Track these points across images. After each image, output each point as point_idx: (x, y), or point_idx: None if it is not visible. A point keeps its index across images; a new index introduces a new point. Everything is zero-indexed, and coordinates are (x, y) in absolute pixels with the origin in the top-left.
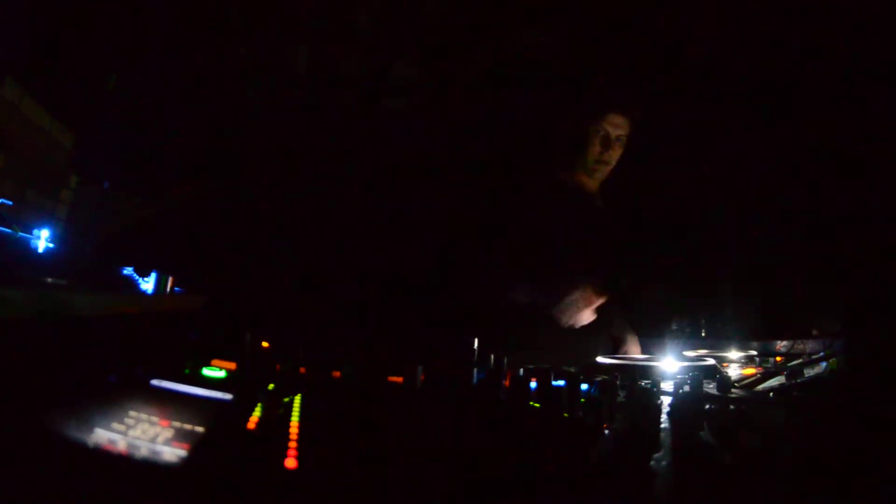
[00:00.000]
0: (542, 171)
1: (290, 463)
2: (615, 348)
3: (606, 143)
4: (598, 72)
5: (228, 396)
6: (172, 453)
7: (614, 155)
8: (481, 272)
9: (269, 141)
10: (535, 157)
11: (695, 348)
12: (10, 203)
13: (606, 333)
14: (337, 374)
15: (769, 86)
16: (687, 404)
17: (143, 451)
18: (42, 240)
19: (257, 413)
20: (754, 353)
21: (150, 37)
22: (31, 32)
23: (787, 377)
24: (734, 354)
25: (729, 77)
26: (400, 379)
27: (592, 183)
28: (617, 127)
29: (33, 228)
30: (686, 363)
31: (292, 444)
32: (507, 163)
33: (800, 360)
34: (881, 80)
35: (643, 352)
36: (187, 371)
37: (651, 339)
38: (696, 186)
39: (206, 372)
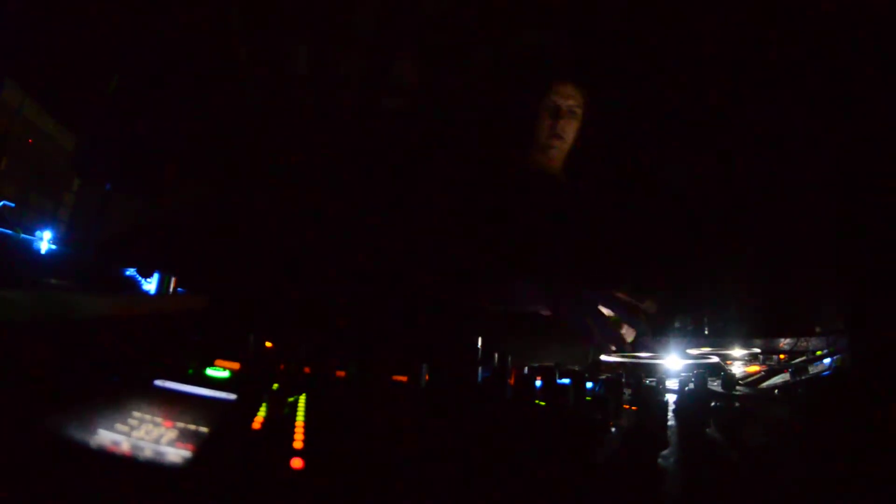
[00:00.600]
0: (496, 156)
1: (297, 463)
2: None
3: (556, 114)
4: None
5: (232, 397)
6: (177, 454)
7: (567, 128)
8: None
9: (270, 141)
10: (490, 141)
11: (698, 346)
12: (13, 205)
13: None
14: (341, 373)
15: (771, 84)
16: (693, 402)
17: (147, 452)
18: (44, 241)
19: (262, 413)
20: (757, 350)
21: (151, 38)
22: (31, 34)
23: (792, 375)
24: (737, 352)
25: (730, 75)
26: (404, 378)
27: (551, 162)
28: (567, 97)
29: (36, 230)
30: (690, 361)
31: (298, 446)
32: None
33: (803, 358)
34: (882, 78)
35: (647, 350)
36: (191, 371)
37: (654, 338)
38: (697, 185)
39: (210, 372)
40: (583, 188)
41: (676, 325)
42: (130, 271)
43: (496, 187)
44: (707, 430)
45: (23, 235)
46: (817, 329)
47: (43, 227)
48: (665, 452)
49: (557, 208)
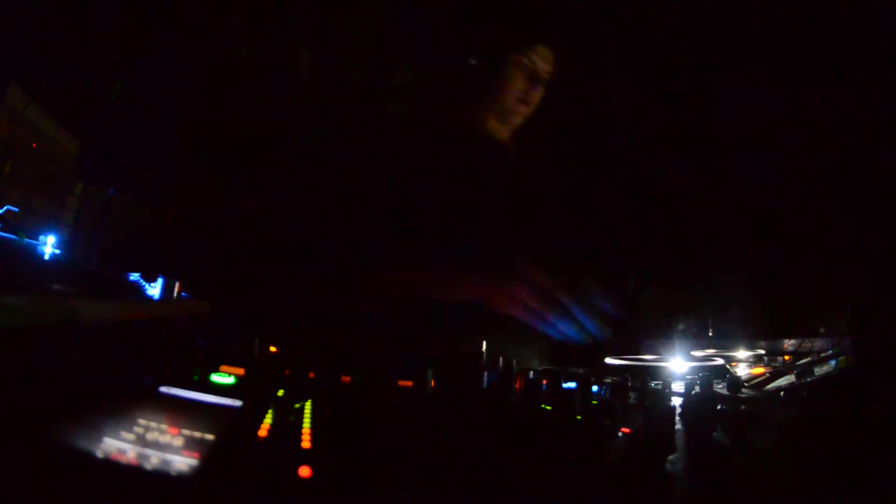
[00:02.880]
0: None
1: (305, 472)
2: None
3: (534, 78)
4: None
5: (238, 403)
6: (183, 462)
7: (538, 95)
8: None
9: (274, 145)
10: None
11: (702, 348)
12: (16, 209)
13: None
14: (346, 378)
15: (771, 83)
16: (699, 405)
17: (154, 460)
18: (48, 246)
19: (268, 420)
20: (762, 351)
21: (155, 41)
22: (35, 38)
23: (797, 376)
24: (742, 354)
25: (731, 75)
26: (410, 383)
27: (506, 132)
28: (545, 61)
29: (39, 234)
30: (695, 363)
31: (304, 452)
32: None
33: (809, 359)
34: (881, 78)
35: (650, 353)
36: (196, 377)
37: (658, 340)
38: (699, 185)
39: (215, 378)
40: (537, 164)
41: (680, 326)
42: (134, 276)
43: (429, 154)
44: (714, 433)
45: (26, 240)
46: (821, 329)
47: (46, 231)
48: (672, 457)
49: (503, 182)
